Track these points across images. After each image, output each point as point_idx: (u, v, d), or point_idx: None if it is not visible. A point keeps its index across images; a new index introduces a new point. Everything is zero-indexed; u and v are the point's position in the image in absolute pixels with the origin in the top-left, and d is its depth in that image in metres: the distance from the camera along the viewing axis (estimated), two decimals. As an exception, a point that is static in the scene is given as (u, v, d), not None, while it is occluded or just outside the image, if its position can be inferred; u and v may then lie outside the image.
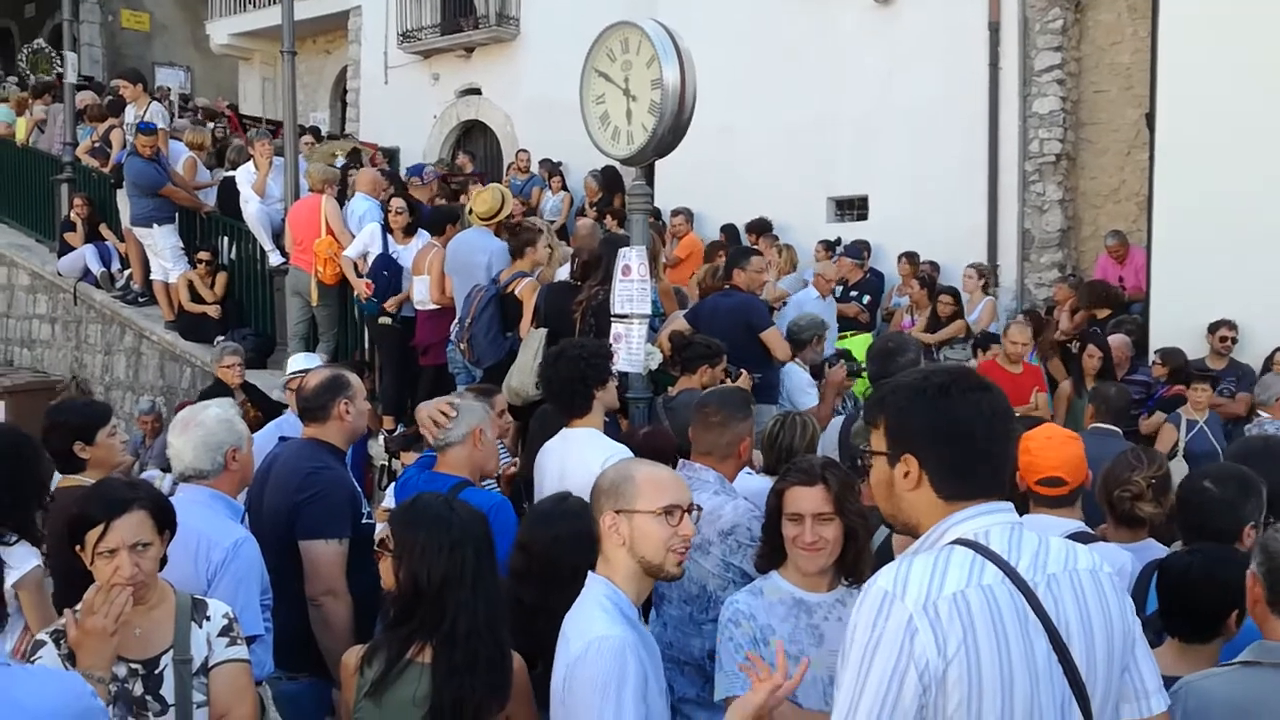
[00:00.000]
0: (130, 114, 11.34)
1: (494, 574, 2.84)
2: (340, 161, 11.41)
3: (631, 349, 5.50)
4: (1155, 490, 3.56)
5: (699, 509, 2.72)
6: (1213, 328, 8.32)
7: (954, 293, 9.80)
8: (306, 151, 11.45)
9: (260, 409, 7.77)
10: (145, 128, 10.24)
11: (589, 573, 2.66)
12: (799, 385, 6.64)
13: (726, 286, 6.64)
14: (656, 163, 6.79)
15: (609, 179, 12.87)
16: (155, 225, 10.24)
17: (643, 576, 2.61)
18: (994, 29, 11.33)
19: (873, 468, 2.06)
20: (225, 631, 2.87)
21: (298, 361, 6.90)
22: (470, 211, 7.74)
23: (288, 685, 3.74)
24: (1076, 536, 3.23)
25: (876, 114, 11.88)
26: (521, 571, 3.14)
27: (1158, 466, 3.60)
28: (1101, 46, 11.38)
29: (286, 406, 8.70)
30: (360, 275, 8.52)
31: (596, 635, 2.43)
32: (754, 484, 4.00)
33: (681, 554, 2.60)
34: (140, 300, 11.50)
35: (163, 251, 10.39)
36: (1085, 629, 1.91)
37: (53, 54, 18.55)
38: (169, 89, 18.89)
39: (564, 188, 14.06)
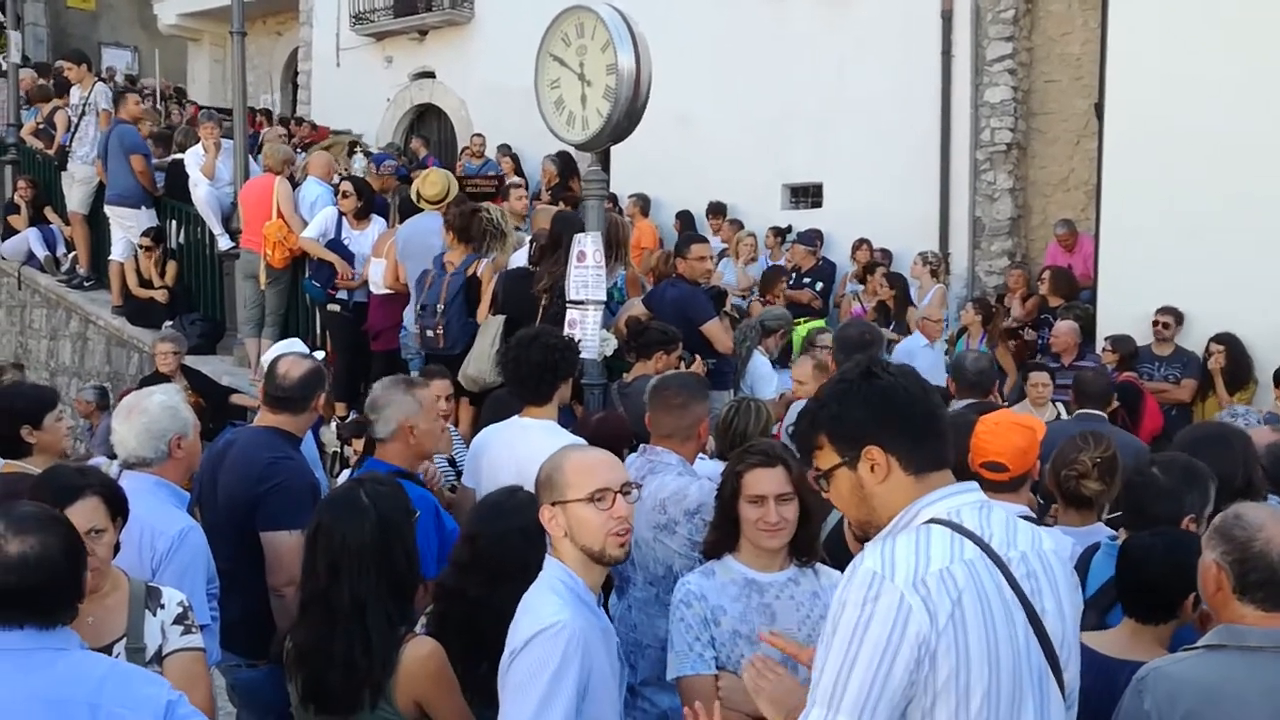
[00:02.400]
0: (75, 95, 11.13)
1: (372, 559, 2.82)
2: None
3: (586, 335, 5.50)
4: (1101, 470, 3.62)
5: (637, 487, 2.71)
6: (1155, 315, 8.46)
7: (896, 279, 9.96)
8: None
9: (203, 395, 7.67)
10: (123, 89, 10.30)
11: (546, 557, 2.66)
12: (761, 376, 6.66)
13: (674, 275, 6.64)
14: (612, 148, 6.78)
15: (564, 164, 12.83)
16: (143, 207, 10.17)
17: (591, 564, 2.60)
18: (946, 18, 11.42)
19: (833, 487, 2.06)
20: (180, 620, 2.84)
21: (281, 348, 6.78)
22: (419, 196, 7.68)
23: (247, 673, 3.72)
24: (1017, 520, 3.29)
25: (831, 102, 11.92)
26: (466, 563, 3.13)
27: (1104, 447, 3.66)
28: (1052, 37, 11.50)
29: (232, 391, 8.65)
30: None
31: (544, 623, 2.43)
32: (709, 467, 4.02)
33: (622, 536, 2.58)
34: (86, 284, 11.32)
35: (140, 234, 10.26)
36: (1057, 605, 1.98)
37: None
38: (115, 70, 18.60)
39: (518, 172, 13.98)
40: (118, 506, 2.86)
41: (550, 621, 2.42)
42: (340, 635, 2.75)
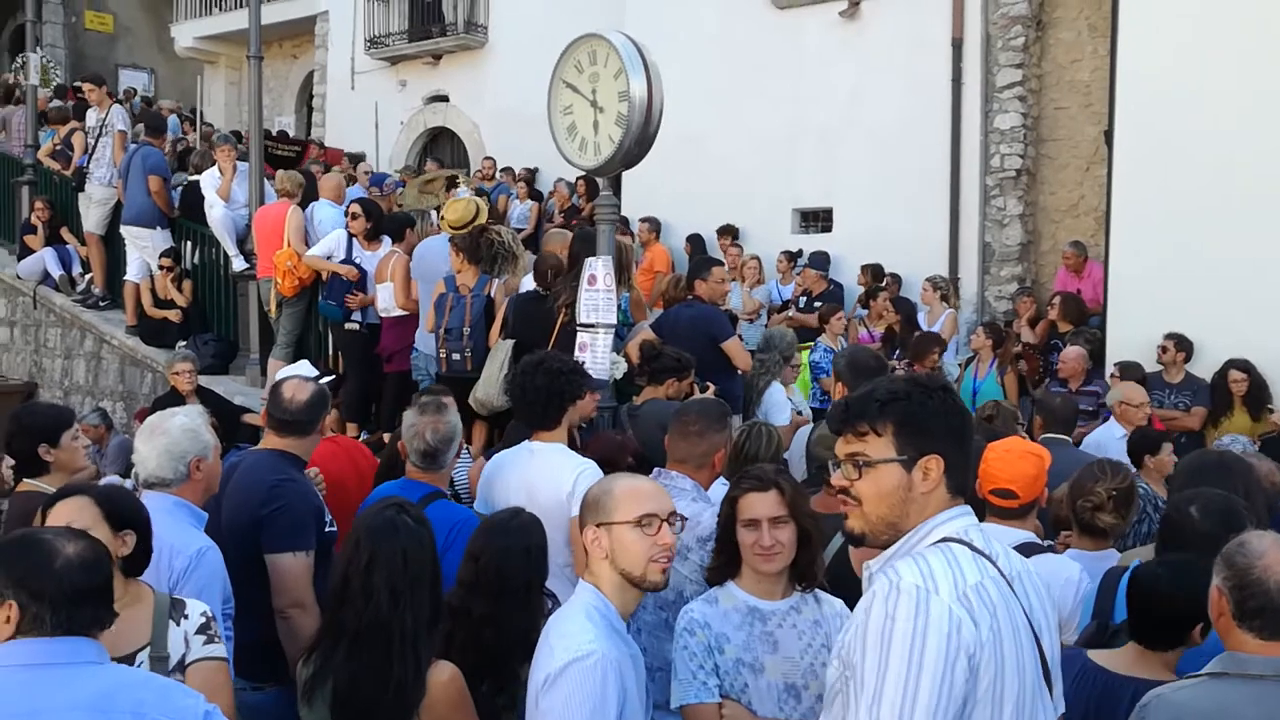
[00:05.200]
0: (92, 117, 11.26)
1: (427, 585, 2.87)
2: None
3: (597, 358, 5.54)
4: (1116, 502, 3.62)
5: (683, 519, 2.72)
6: (1164, 342, 8.45)
7: (901, 304, 9.99)
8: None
9: (215, 414, 7.69)
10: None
11: (579, 581, 2.68)
12: (776, 403, 6.69)
13: (689, 297, 6.68)
14: (624, 173, 6.84)
15: (590, 186, 12.90)
16: (158, 227, 10.32)
17: (628, 589, 2.62)
18: (957, 45, 11.47)
19: (871, 476, 2.05)
20: (203, 629, 2.87)
21: (288, 372, 6.81)
22: (441, 218, 7.73)
23: (252, 695, 3.72)
24: (1025, 547, 3.30)
25: (842, 127, 11.98)
26: (470, 582, 3.17)
27: (1122, 478, 3.67)
28: (1062, 64, 11.56)
29: (244, 411, 8.68)
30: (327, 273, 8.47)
31: (580, 651, 2.43)
32: (728, 493, 4.05)
33: (664, 564, 2.60)
34: (101, 304, 11.41)
35: (155, 255, 10.39)
36: (1048, 623, 2.08)
37: (51, 63, 18.48)
38: (135, 91, 18.76)
39: (531, 196, 14.08)
40: (117, 516, 2.87)
41: (586, 650, 2.43)
42: (398, 662, 2.77)
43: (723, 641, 2.89)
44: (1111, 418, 6.85)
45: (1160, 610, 2.82)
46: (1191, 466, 3.80)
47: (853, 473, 2.07)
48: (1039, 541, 3.58)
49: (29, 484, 3.94)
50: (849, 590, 2.94)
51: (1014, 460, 3.46)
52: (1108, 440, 6.63)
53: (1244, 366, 8.00)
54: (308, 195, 9.63)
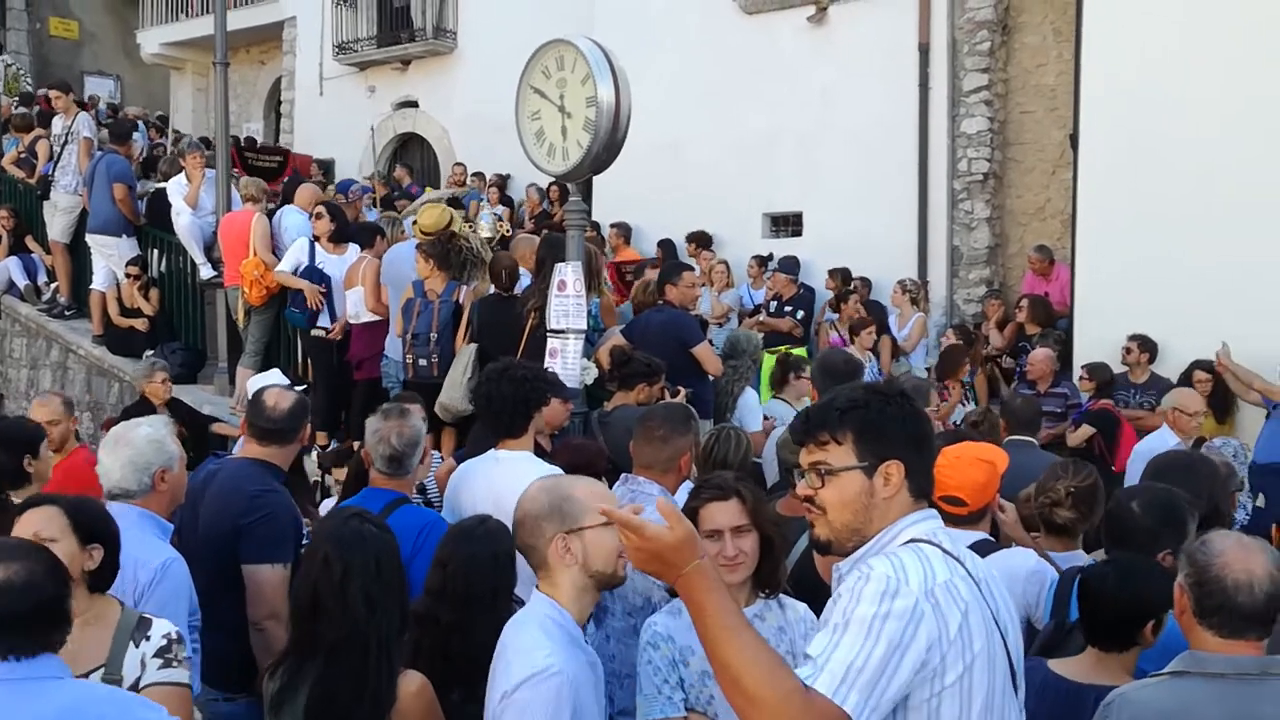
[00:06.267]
0: (58, 125, 11.15)
1: (394, 593, 2.85)
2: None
3: (567, 364, 5.54)
4: (1075, 499, 3.65)
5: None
6: (1129, 343, 8.54)
7: (871, 307, 10.05)
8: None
9: (186, 425, 7.64)
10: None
11: (534, 590, 2.64)
12: (749, 408, 6.72)
13: (659, 302, 6.69)
14: (594, 178, 6.85)
15: (563, 191, 12.89)
16: (124, 235, 10.23)
17: (591, 591, 2.58)
18: (924, 50, 11.54)
19: (834, 484, 2.09)
20: (162, 653, 2.79)
21: (262, 380, 6.76)
22: (414, 223, 7.72)
23: (224, 706, 3.70)
24: (980, 545, 3.33)
25: (811, 132, 12.03)
26: (437, 589, 3.15)
27: (1084, 476, 3.70)
28: (1027, 68, 11.66)
29: (213, 420, 8.61)
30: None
31: (537, 667, 2.40)
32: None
33: (624, 556, 2.53)
34: (67, 314, 11.29)
35: (122, 263, 10.29)
36: (1013, 625, 2.11)
37: (21, 70, 18.31)
38: (98, 98, 18.61)
39: (502, 202, 14.05)
40: (87, 528, 2.83)
41: (543, 666, 2.40)
42: (373, 671, 2.73)
43: (687, 654, 2.84)
44: (1164, 425, 6.52)
45: (1110, 611, 2.85)
46: (1155, 466, 3.85)
47: (816, 481, 2.11)
48: (992, 540, 3.60)
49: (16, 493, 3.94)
50: (813, 594, 2.95)
51: (963, 467, 3.45)
52: (1161, 448, 5.94)
53: (1209, 368, 8.09)
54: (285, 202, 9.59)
